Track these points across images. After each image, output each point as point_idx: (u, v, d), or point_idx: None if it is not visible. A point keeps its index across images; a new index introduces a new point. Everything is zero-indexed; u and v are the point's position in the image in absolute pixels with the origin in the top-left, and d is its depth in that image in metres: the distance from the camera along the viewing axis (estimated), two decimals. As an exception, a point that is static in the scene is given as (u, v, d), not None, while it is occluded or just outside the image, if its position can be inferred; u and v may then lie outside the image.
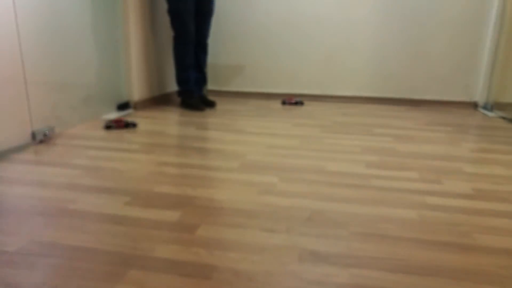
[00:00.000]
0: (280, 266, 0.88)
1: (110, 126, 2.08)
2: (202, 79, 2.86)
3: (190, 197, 1.25)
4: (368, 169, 1.54)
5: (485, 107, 2.82)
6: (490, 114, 2.69)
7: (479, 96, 2.86)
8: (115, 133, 2.00)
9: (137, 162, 1.57)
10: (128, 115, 2.42)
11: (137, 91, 2.59)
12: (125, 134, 1.99)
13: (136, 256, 0.91)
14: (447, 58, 2.85)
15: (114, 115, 2.38)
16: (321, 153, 1.74)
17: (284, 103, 2.94)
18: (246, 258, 0.91)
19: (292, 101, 2.92)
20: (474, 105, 2.89)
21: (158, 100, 2.88)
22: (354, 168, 1.55)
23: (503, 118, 2.57)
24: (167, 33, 2.96)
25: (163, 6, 2.69)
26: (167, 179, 1.39)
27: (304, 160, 1.64)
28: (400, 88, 2.97)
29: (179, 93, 2.79)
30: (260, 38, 3.09)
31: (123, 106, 2.51)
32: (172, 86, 2.94)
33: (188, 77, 2.72)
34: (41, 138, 1.80)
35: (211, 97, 2.95)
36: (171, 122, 2.31)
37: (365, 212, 1.16)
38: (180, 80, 2.73)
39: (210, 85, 3.23)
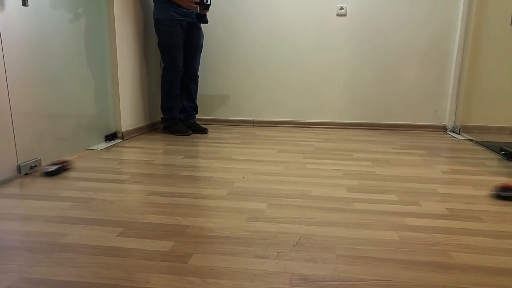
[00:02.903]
0: (273, 291, 0.92)
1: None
2: (193, 108, 2.97)
3: (182, 226, 1.28)
4: (350, 193, 1.61)
5: (453, 130, 3.00)
6: (458, 136, 2.85)
7: (447, 120, 3.04)
8: (104, 164, 2.02)
9: (127, 193, 1.59)
10: (116, 145, 2.44)
11: (125, 121, 2.63)
12: (114, 164, 2.01)
13: (132, 288, 0.94)
14: (418, 86, 3.04)
15: (102, 145, 2.39)
16: (305, 179, 1.81)
17: None
18: (238, 286, 0.95)
19: None
20: (444, 129, 3.06)
21: (146, 129, 2.92)
22: (337, 192, 1.62)
23: (470, 140, 2.73)
24: (156, 64, 3.04)
25: (155, 38, 2.78)
26: (158, 209, 1.42)
27: (289, 185, 1.70)
28: (376, 114, 3.13)
29: (163, 120, 2.89)
30: (243, 69, 3.22)
31: (111, 137, 2.53)
32: (160, 114, 2.99)
33: (173, 106, 2.83)
34: (27, 171, 1.80)
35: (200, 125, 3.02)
36: (159, 151, 2.35)
37: (349, 235, 1.23)
38: (165, 108, 2.84)
39: (198, 114, 3.31)
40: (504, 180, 1.80)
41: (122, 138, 2.59)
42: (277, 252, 1.11)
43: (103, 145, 2.41)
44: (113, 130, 2.56)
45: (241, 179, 1.78)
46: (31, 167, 1.82)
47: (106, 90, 2.47)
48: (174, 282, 0.96)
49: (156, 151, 2.35)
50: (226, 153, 2.30)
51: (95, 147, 2.35)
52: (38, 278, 0.97)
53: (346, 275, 1.00)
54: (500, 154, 2.26)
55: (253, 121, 3.29)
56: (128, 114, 2.66)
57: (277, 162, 2.10)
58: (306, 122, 3.22)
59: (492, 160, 2.18)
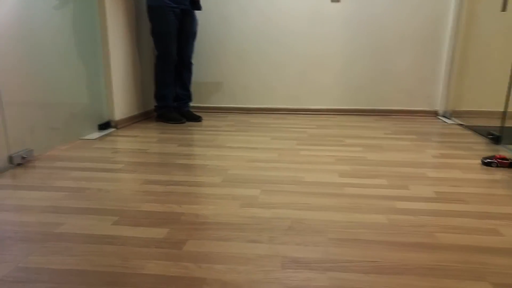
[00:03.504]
0: (264, 274, 0.96)
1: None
2: (187, 96, 2.97)
3: (176, 213, 1.31)
4: (342, 178, 1.65)
5: (444, 115, 3.04)
6: (448, 121, 2.89)
7: (439, 105, 3.07)
8: (98, 153, 2.03)
9: (122, 182, 1.61)
10: (110, 134, 2.45)
11: (118, 110, 2.63)
12: (108, 153, 2.03)
13: (127, 275, 0.96)
14: (411, 72, 3.06)
15: (95, 135, 2.40)
16: (298, 165, 1.84)
17: None
18: (232, 269, 0.98)
19: None
20: (435, 114, 3.10)
21: (139, 118, 2.92)
22: (329, 177, 1.66)
23: (460, 125, 2.77)
24: (149, 52, 3.03)
25: (147, 25, 2.77)
26: (153, 197, 1.45)
27: (283, 172, 1.73)
28: (369, 100, 3.15)
29: (157, 108, 2.89)
30: (237, 56, 3.21)
31: (104, 126, 2.54)
32: (154, 103, 2.98)
33: (167, 94, 2.83)
34: (19, 162, 1.81)
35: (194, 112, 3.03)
36: (153, 139, 2.36)
37: (340, 219, 1.26)
38: (159, 96, 2.84)
39: (192, 102, 3.31)
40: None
41: (116, 127, 2.60)
42: (270, 237, 1.15)
43: (96, 134, 2.42)
44: (106, 119, 2.57)
45: (235, 166, 1.81)
46: (23, 158, 1.83)
47: (98, 79, 2.46)
48: (169, 268, 0.99)
49: (150, 139, 2.36)
50: (221, 141, 2.32)
51: (88, 137, 2.36)
52: (33, 267, 0.99)
53: (336, 257, 1.03)
54: (488, 138, 2.30)
55: (248, 109, 3.30)
56: (121, 103, 2.66)
57: (271, 149, 2.12)
58: (300, 109, 3.24)
59: (480, 144, 2.23)
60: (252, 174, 1.70)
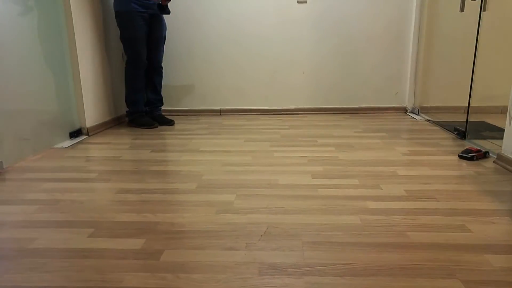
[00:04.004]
0: (242, 282, 0.97)
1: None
2: (159, 100, 2.94)
3: (152, 223, 1.30)
4: (314, 179, 1.68)
5: (412, 111, 3.15)
6: (417, 117, 3.00)
7: (407, 101, 3.18)
8: (70, 163, 1.98)
9: (96, 192, 1.58)
10: (82, 142, 2.39)
11: (89, 116, 2.56)
12: (81, 162, 1.97)
13: (106, 289, 0.95)
14: (379, 70, 3.15)
15: (67, 143, 2.33)
16: (272, 167, 1.86)
17: None
18: (210, 279, 0.99)
19: None
20: (404, 110, 3.20)
21: (111, 124, 2.86)
22: (302, 179, 1.69)
23: (428, 120, 2.88)
24: (119, 56, 2.96)
25: (116, 29, 2.71)
26: (128, 207, 1.43)
27: (257, 175, 1.75)
28: (339, 99, 3.22)
29: (128, 113, 2.85)
30: (207, 58, 3.20)
31: (75, 133, 2.47)
32: (125, 107, 2.93)
33: (138, 99, 2.79)
34: (-13, 174, 1.74)
35: (166, 116, 2.99)
36: (126, 146, 2.32)
37: (314, 221, 1.29)
38: (130, 101, 2.80)
39: (164, 105, 3.27)
40: (456, 159, 1.93)
41: (88, 134, 2.53)
42: (246, 243, 1.16)
43: (68, 142, 2.35)
44: (77, 127, 2.50)
45: (209, 172, 1.81)
46: (-9, 170, 1.76)
47: (67, 85, 2.39)
48: (147, 280, 0.99)
49: (122, 146, 2.32)
50: (194, 145, 2.31)
51: (59, 145, 2.29)
52: (10, 286, 0.97)
53: (311, 261, 1.06)
54: (454, 133, 2.40)
55: (220, 110, 3.29)
56: (92, 109, 2.59)
57: (245, 152, 2.13)
58: (272, 109, 3.27)
59: (447, 140, 2.32)
60: (227, 179, 1.70)
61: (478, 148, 2.00)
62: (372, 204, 1.42)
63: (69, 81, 2.41)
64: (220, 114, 3.28)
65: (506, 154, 1.78)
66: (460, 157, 1.94)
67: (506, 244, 1.12)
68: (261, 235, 1.20)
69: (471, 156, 1.91)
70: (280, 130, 2.67)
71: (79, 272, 1.02)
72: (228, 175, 1.76)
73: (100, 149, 2.25)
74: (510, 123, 1.75)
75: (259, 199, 1.48)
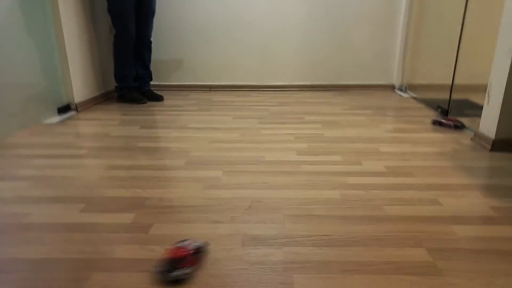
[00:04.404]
0: (226, 252, 1.04)
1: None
2: (148, 76, 2.94)
3: (142, 198, 1.36)
4: (299, 156, 1.74)
5: (400, 89, 3.20)
6: (404, 95, 3.05)
7: (395, 79, 3.22)
8: (60, 139, 2.00)
9: (86, 168, 1.62)
10: (71, 118, 2.40)
11: (77, 92, 2.56)
12: (70, 138, 2.00)
13: (98, 260, 1.01)
14: (368, 47, 3.17)
15: (56, 119, 2.34)
16: (259, 144, 1.91)
17: None
18: (197, 249, 1.05)
19: None
20: (392, 87, 3.25)
21: (100, 99, 2.86)
22: (288, 156, 1.75)
23: (414, 98, 2.94)
24: (107, 30, 2.93)
25: (102, 2, 2.66)
26: (118, 183, 1.48)
27: (244, 152, 1.80)
28: (329, 75, 3.25)
29: (117, 88, 2.85)
30: (197, 33, 3.18)
31: (64, 109, 2.47)
32: (114, 83, 2.92)
33: (127, 74, 2.79)
34: (-22, 151, 1.76)
35: (155, 92, 3.00)
36: (115, 122, 2.34)
37: (297, 196, 1.36)
38: (119, 76, 2.79)
39: (153, 80, 3.27)
40: (436, 136, 1.99)
41: (76, 110, 2.54)
42: (231, 217, 1.22)
43: (57, 118, 2.37)
44: (66, 102, 2.50)
45: (198, 148, 1.86)
46: (-18, 147, 1.78)
47: (53, 60, 2.37)
48: (137, 251, 1.05)
49: (112, 122, 2.34)
50: (183, 121, 2.34)
51: (48, 121, 2.30)
52: (7, 258, 1.02)
53: (291, 233, 1.13)
54: (438, 111, 2.46)
55: (210, 86, 3.30)
56: (80, 84, 2.59)
57: (233, 129, 2.18)
58: (262, 85, 3.29)
59: (431, 117, 2.38)
60: (215, 156, 1.76)
61: (456, 119, 2.12)
62: (352, 180, 1.49)
63: (55, 55, 2.39)
64: (210, 90, 3.30)
65: (482, 131, 1.85)
66: (433, 122, 2.18)
67: (472, 216, 1.21)
68: (246, 209, 1.27)
69: (443, 122, 2.14)
70: (269, 107, 2.71)
71: (72, 245, 1.08)
72: (216, 152, 1.81)
73: (89, 125, 2.28)
74: (488, 103, 1.81)
75: (245, 175, 1.54)
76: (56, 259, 1.02)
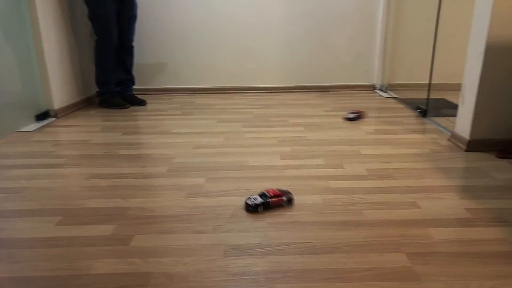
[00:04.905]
0: (208, 264, 1.03)
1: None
2: (130, 80, 2.91)
3: (122, 208, 1.34)
4: (283, 160, 1.74)
5: (380, 89, 3.24)
6: (385, 95, 3.10)
7: (376, 79, 3.26)
8: (37, 148, 1.96)
9: (64, 178, 1.59)
10: (49, 125, 2.35)
11: (57, 97, 2.50)
12: (48, 147, 1.96)
13: (74, 277, 0.98)
14: (349, 48, 3.20)
15: (33, 126, 2.29)
16: (243, 149, 1.91)
17: None
18: (178, 262, 1.05)
19: None
20: (373, 87, 3.29)
21: (81, 105, 2.81)
22: (271, 160, 1.75)
23: (395, 98, 2.98)
24: (87, 35, 2.87)
25: (82, 7, 2.61)
26: (98, 193, 1.45)
27: (228, 157, 1.80)
28: (311, 77, 3.27)
29: (99, 94, 2.80)
30: (180, 36, 3.15)
31: (42, 116, 2.41)
32: (95, 87, 2.87)
33: (109, 79, 2.75)
34: (-49, 162, 1.71)
35: (137, 96, 2.95)
36: (96, 128, 2.30)
37: (279, 203, 1.36)
38: (100, 82, 2.76)
39: (135, 84, 3.22)
40: (416, 137, 2.03)
41: (56, 116, 2.49)
42: (214, 226, 1.22)
43: (34, 125, 2.31)
44: (44, 109, 2.44)
45: (180, 154, 1.84)
46: (-44, 158, 1.73)
47: (31, 66, 2.31)
48: (116, 265, 1.03)
49: (93, 128, 2.30)
50: (166, 126, 2.32)
51: (25, 129, 2.24)
52: (-23, 277, 0.99)
53: (275, 241, 1.13)
54: (417, 111, 2.50)
55: (193, 89, 3.28)
56: (59, 90, 2.53)
57: (217, 133, 2.17)
58: (245, 87, 3.28)
59: (410, 118, 2.42)
60: (198, 162, 1.74)
61: (360, 111, 2.44)
62: (334, 184, 1.50)
63: (33, 60, 2.33)
64: (194, 93, 3.27)
65: (458, 132, 1.89)
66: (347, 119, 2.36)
67: (448, 218, 1.23)
68: (228, 218, 1.27)
69: (351, 117, 2.36)
70: (253, 109, 2.71)
71: (46, 261, 1.05)
72: (199, 158, 1.79)
73: (69, 132, 2.23)
74: (462, 104, 1.85)
75: (229, 182, 1.53)
76: (28, 277, 0.99)
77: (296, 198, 1.38)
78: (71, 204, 1.37)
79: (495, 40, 1.65)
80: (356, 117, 2.37)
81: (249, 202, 1.30)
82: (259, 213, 1.28)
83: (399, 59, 3.11)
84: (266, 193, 1.32)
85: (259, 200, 1.30)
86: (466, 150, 1.80)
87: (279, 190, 1.34)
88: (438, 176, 1.55)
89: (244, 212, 1.29)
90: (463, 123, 1.85)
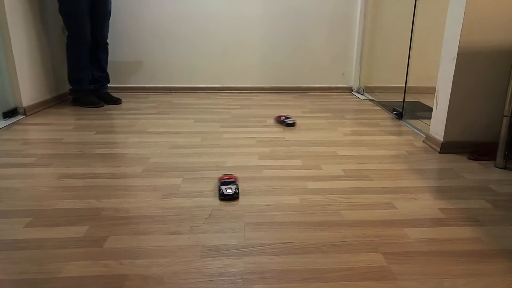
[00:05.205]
0: (184, 265, 1.01)
1: None
2: (104, 78, 2.83)
3: (96, 209, 1.29)
4: (261, 161, 1.74)
5: (358, 91, 3.30)
6: (361, 97, 3.15)
7: (353, 81, 3.31)
8: (4, 146, 1.87)
9: (34, 178, 1.53)
10: (18, 123, 2.25)
11: (26, 94, 2.40)
12: (17, 145, 1.88)
13: (43, 280, 0.94)
14: (327, 51, 3.24)
15: (0, 124, 2.18)
16: (221, 149, 1.89)
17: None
18: (153, 263, 1.02)
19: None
20: (350, 90, 3.34)
21: (52, 102, 2.71)
22: (249, 161, 1.74)
23: (371, 100, 3.04)
24: (58, 30, 2.78)
25: (54, 3, 2.52)
26: (70, 193, 1.40)
27: (205, 157, 1.77)
28: (289, 78, 3.28)
29: (72, 91, 2.72)
30: (156, 34, 3.11)
31: (10, 113, 2.31)
32: (68, 85, 2.78)
33: (82, 77, 2.67)
34: None
35: (112, 95, 2.88)
36: (69, 127, 2.22)
37: (257, 202, 1.35)
38: (73, 79, 2.68)
39: (110, 83, 3.14)
40: (392, 139, 2.07)
41: (25, 114, 2.39)
42: (190, 227, 1.19)
43: (1, 123, 2.21)
44: (12, 106, 2.34)
45: (156, 154, 1.80)
46: None
47: (-2, 62, 2.22)
48: (88, 268, 1.00)
49: (65, 127, 2.22)
50: (141, 126, 2.27)
51: (-7, 127, 2.15)
52: None
53: (252, 242, 1.12)
54: (393, 114, 2.56)
55: (170, 88, 3.23)
56: (28, 87, 2.44)
57: (194, 133, 2.14)
58: (223, 87, 3.26)
59: (386, 120, 2.47)
60: (174, 162, 1.71)
61: (287, 116, 2.36)
62: (311, 184, 1.51)
63: (0, 56, 2.23)
64: (170, 92, 3.23)
65: (432, 134, 1.94)
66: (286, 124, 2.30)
67: (423, 218, 1.26)
68: (206, 218, 1.25)
69: (280, 120, 2.32)
70: (230, 110, 2.69)
71: (14, 264, 1.00)
72: (175, 158, 1.76)
73: (39, 131, 2.15)
74: (436, 107, 1.91)
75: (206, 182, 1.51)
76: (-2, 281, 0.95)
77: (274, 199, 1.38)
78: (41, 205, 1.31)
79: (467, 45, 1.71)
80: (292, 123, 2.29)
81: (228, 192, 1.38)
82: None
83: (376, 62, 3.17)
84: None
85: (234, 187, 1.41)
86: (440, 152, 1.85)
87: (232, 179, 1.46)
88: (414, 177, 1.58)
89: (222, 213, 1.28)
90: (437, 125, 1.90)
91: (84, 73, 2.66)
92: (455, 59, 1.73)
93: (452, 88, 1.77)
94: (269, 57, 3.23)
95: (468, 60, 1.73)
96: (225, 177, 1.47)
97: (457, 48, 1.71)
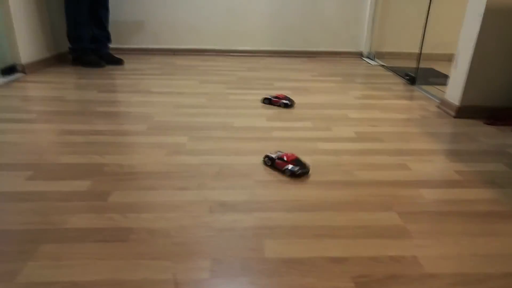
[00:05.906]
0: (192, 219, 0.97)
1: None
2: (105, 37, 2.71)
3: (99, 164, 1.25)
4: (269, 122, 1.68)
5: (368, 56, 3.18)
6: (372, 62, 3.04)
7: (363, 46, 3.19)
8: (4, 102, 1.81)
9: (35, 133, 1.48)
10: (17, 80, 2.18)
11: (24, 51, 2.31)
12: (17, 102, 1.82)
13: (47, 231, 0.91)
14: (337, 14, 3.10)
15: (-2, 81, 2.12)
16: (227, 110, 1.82)
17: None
18: (160, 217, 0.98)
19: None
20: (360, 55, 3.22)
21: (52, 61, 2.62)
22: (257, 122, 1.68)
23: (382, 66, 2.94)
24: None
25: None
26: (72, 149, 1.35)
27: (211, 118, 1.71)
28: (297, 42, 3.16)
29: (72, 50, 2.62)
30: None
31: (9, 70, 2.23)
32: (68, 44, 2.68)
33: (82, 35, 2.56)
34: None
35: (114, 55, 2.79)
36: (69, 85, 2.15)
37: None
38: (72, 37, 2.57)
39: (112, 43, 3.03)
40: (404, 103, 2.00)
41: (24, 71, 2.31)
42: (198, 183, 1.15)
43: (0, 80, 2.14)
44: (10, 63, 2.26)
45: (161, 113, 1.74)
46: None
47: (-5, 16, 2.12)
48: (93, 220, 0.96)
49: (66, 85, 2.15)
50: (145, 86, 2.19)
51: (-9, 83, 2.08)
52: None
53: (262, 198, 1.08)
54: (405, 79, 2.47)
55: (173, 50, 3.13)
56: (27, 44, 2.34)
57: (199, 94, 2.07)
58: (229, 50, 3.15)
59: (398, 85, 2.39)
60: (179, 121, 1.66)
61: (286, 96, 1.94)
62: (322, 145, 1.45)
63: (-2, 11, 2.13)
64: (174, 54, 3.12)
65: (448, 98, 1.86)
66: (263, 101, 1.94)
67: (438, 180, 1.21)
68: (214, 175, 1.20)
69: (272, 100, 1.90)
70: (236, 72, 2.60)
71: (17, 215, 0.97)
72: (181, 117, 1.70)
73: (39, 88, 2.08)
74: (456, 68, 1.81)
75: (213, 141, 1.46)
76: None
77: (284, 158, 1.32)
78: (43, 159, 1.27)
79: (496, 1, 1.59)
80: (281, 103, 1.90)
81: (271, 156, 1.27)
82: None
83: (389, 27, 3.04)
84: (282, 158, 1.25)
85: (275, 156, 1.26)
86: (455, 117, 1.78)
87: (295, 159, 1.25)
88: (428, 140, 1.52)
89: (231, 171, 1.23)
90: (454, 88, 1.82)
91: (83, 30, 2.55)
92: (481, 16, 1.62)
93: (475, 49, 1.67)
94: (277, 19, 3.09)
95: (496, 18, 1.62)
96: (284, 156, 1.25)
97: (485, 4, 1.59)
